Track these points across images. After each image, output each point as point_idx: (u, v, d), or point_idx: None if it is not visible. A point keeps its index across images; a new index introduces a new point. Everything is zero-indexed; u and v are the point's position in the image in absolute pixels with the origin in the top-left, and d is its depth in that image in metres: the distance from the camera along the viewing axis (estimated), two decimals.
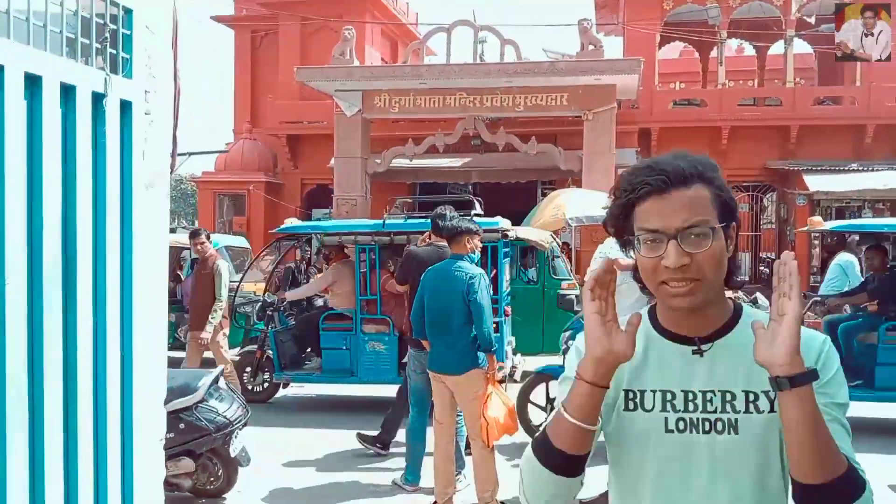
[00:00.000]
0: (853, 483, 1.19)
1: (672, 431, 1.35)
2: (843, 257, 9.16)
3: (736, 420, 1.32)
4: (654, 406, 1.36)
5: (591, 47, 14.27)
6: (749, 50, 22.40)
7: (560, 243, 10.61)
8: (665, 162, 1.32)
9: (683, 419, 1.35)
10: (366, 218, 15.25)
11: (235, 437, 4.82)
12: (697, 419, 1.34)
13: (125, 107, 2.30)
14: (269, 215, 17.81)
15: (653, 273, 1.31)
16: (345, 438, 6.45)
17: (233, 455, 4.80)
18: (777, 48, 19.02)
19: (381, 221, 7.67)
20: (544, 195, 15.61)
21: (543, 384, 6.30)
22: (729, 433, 1.32)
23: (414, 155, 15.28)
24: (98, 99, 2.18)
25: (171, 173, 2.60)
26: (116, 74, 2.24)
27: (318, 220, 18.57)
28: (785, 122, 16.16)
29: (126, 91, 2.28)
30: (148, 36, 2.37)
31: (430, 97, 14.57)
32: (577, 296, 9.32)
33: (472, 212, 7.29)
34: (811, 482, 1.17)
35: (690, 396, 1.35)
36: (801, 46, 20.24)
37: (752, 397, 1.32)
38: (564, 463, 1.28)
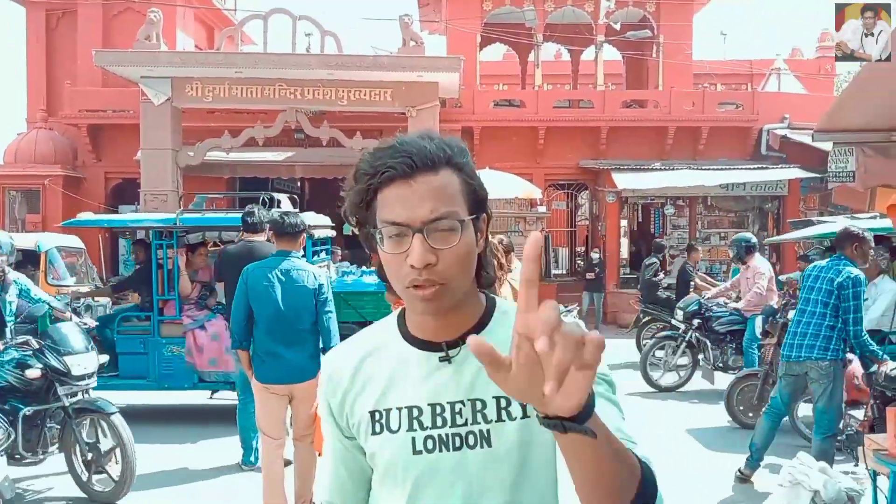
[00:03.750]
0: (647, 492, 0.91)
1: (420, 452, 1.17)
2: None
3: (488, 431, 1.15)
4: (400, 426, 1.18)
5: (412, 43, 14.21)
6: (567, 55, 23.43)
7: None
8: (411, 143, 1.12)
9: (432, 437, 1.16)
10: None
11: None
12: (447, 435, 1.16)
13: None
14: (67, 213, 16.14)
15: (398, 272, 1.11)
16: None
17: None
18: (590, 53, 20.00)
19: (174, 216, 7.10)
20: None
21: None
22: (482, 446, 1.15)
23: (231, 148, 14.45)
24: None
25: None
26: None
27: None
28: (596, 123, 16.96)
29: None
30: None
31: (247, 87, 13.85)
32: None
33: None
34: None
35: (438, 410, 1.17)
36: (613, 53, 21.46)
37: (503, 403, 1.14)
38: None
